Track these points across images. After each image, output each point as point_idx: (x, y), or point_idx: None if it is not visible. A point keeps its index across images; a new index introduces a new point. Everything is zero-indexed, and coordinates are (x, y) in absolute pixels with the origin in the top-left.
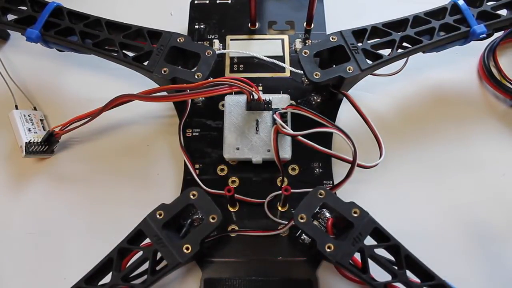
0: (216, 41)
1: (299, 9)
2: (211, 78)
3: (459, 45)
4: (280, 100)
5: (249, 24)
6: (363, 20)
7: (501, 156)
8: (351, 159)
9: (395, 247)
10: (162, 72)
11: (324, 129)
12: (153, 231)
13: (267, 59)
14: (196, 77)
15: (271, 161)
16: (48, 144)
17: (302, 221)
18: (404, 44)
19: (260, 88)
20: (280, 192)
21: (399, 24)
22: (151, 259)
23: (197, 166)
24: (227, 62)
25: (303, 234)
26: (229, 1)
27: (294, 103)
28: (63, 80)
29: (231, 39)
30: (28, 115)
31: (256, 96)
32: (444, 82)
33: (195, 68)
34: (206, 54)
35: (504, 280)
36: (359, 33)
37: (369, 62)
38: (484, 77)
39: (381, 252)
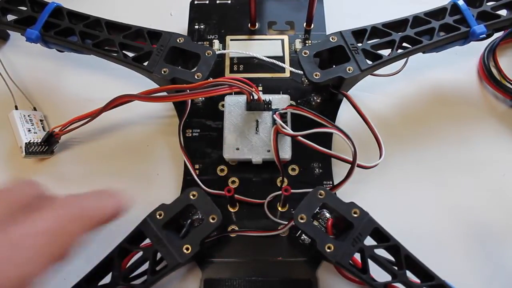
0: (216, 41)
1: (299, 9)
2: (211, 78)
3: (459, 45)
4: (280, 101)
5: (249, 25)
6: (363, 20)
7: (501, 156)
8: (351, 159)
9: (395, 247)
10: (162, 72)
11: (324, 129)
12: (153, 231)
13: (267, 59)
14: (196, 77)
15: (271, 162)
16: (48, 145)
17: (302, 221)
18: (404, 44)
19: (260, 88)
20: (280, 192)
21: (399, 24)
22: (151, 259)
23: (197, 166)
24: (227, 62)
25: (303, 234)
26: (229, 1)
27: (294, 103)
28: (63, 80)
29: (231, 39)
30: (28, 116)
31: (256, 97)
32: (444, 82)
33: (195, 69)
34: (206, 54)
35: (504, 281)
36: (359, 34)
37: (369, 62)
38: (484, 77)
39: (381, 252)
